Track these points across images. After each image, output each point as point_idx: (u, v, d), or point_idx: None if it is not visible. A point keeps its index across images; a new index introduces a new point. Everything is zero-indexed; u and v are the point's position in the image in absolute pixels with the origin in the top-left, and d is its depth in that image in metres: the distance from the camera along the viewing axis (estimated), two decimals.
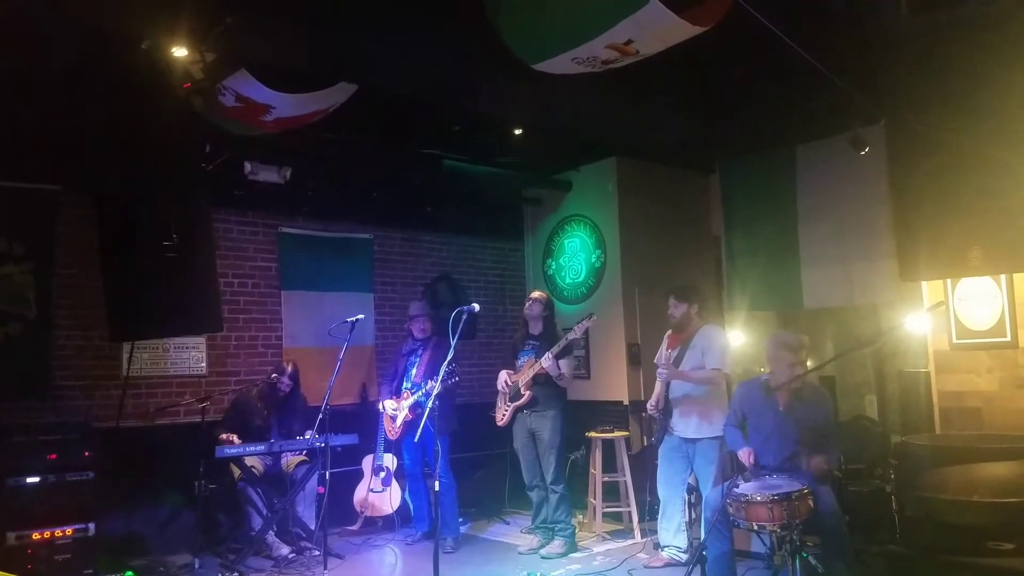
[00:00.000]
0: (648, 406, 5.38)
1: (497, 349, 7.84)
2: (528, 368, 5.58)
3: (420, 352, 6.04)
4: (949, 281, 5.21)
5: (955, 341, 5.24)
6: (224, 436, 5.50)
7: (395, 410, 5.96)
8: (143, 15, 3.99)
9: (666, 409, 5.23)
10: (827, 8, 4.27)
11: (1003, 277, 4.98)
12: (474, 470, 6.87)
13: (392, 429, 5.98)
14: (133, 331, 5.47)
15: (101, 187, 5.48)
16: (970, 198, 4.39)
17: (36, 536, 4.60)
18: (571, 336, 5.46)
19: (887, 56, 4.60)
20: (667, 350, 5.39)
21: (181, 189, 5.09)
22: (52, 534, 4.65)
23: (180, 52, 4.15)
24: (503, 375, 5.80)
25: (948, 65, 4.39)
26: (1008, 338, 4.98)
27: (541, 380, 5.55)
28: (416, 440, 5.39)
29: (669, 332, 5.47)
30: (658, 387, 5.30)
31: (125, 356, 5.78)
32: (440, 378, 4.62)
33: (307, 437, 5.50)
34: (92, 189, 5.60)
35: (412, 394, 5.85)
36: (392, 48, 4.57)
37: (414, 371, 5.99)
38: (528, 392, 5.58)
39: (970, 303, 5.15)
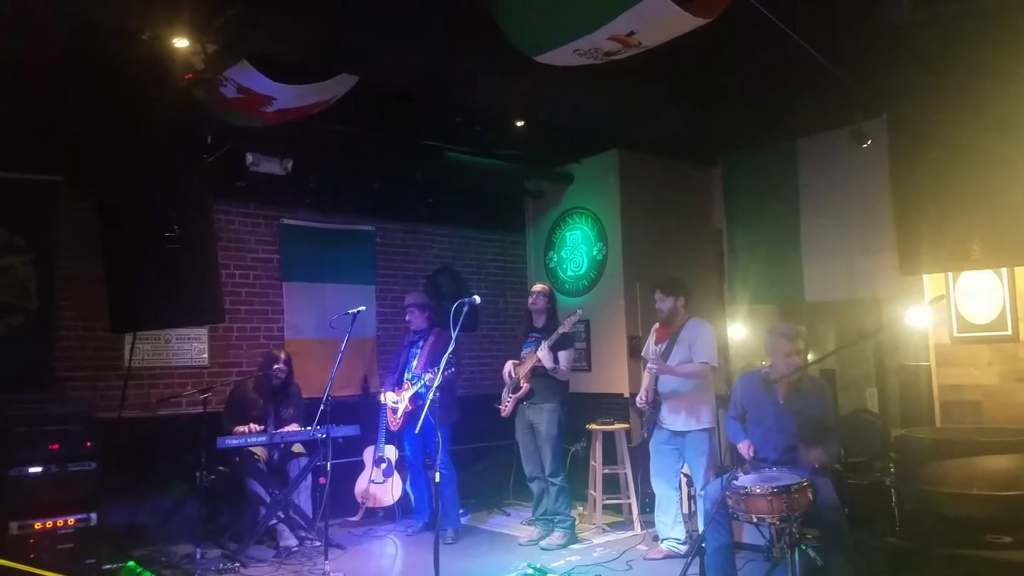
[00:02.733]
0: (637, 400, 5.40)
1: (498, 341, 7.84)
2: (528, 360, 5.61)
3: (421, 343, 6.07)
4: (950, 275, 5.21)
5: (956, 335, 5.24)
6: (241, 429, 5.51)
7: (396, 402, 5.99)
8: (145, 6, 3.98)
9: (655, 403, 5.25)
10: (829, 1, 4.25)
11: (1004, 271, 4.97)
12: (475, 462, 6.88)
13: (394, 420, 6.01)
14: (135, 322, 5.47)
15: (103, 178, 5.48)
16: (971, 191, 4.38)
17: (38, 526, 4.61)
18: (561, 330, 5.47)
19: (888, 49, 4.58)
20: (655, 344, 5.40)
21: (182, 180, 5.09)
22: (55, 524, 4.65)
23: (181, 43, 4.15)
24: (508, 366, 5.82)
25: (949, 58, 4.37)
26: (1009, 332, 4.98)
27: (540, 373, 5.57)
28: (417, 431, 5.40)
29: (656, 326, 5.48)
30: (646, 381, 5.31)
31: (127, 347, 5.79)
32: (440, 369, 4.63)
33: (306, 428, 5.53)
34: (94, 180, 5.60)
35: (413, 385, 5.87)
36: (393, 41, 4.56)
37: (415, 362, 6.02)
38: (526, 384, 5.61)
39: (971, 297, 5.15)
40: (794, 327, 4.33)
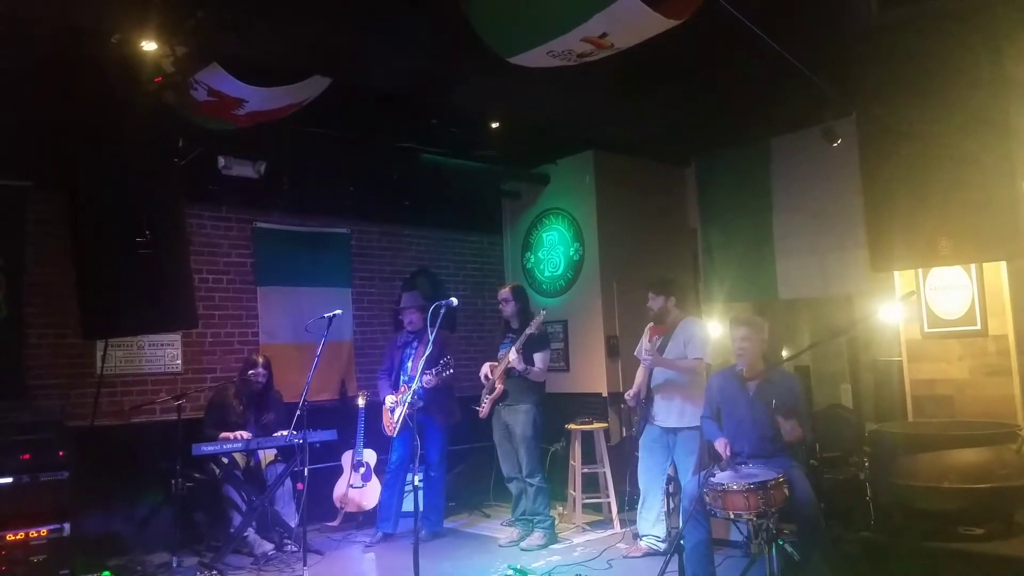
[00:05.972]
0: (627, 396, 5.41)
1: (477, 343, 7.84)
2: (502, 362, 5.61)
3: (416, 344, 5.97)
4: (920, 271, 5.28)
5: (927, 330, 5.32)
6: (228, 435, 5.44)
7: (394, 403, 5.88)
8: (114, 8, 3.93)
9: (647, 399, 5.27)
10: (798, 3, 4.30)
11: (973, 266, 5.05)
12: (455, 464, 6.86)
13: (390, 424, 5.86)
14: (107, 329, 5.40)
15: (73, 183, 5.39)
16: (940, 189, 4.44)
17: (10, 537, 4.54)
18: (528, 331, 5.47)
19: (857, 49, 4.65)
20: (648, 341, 5.43)
21: (154, 184, 5.03)
22: (27, 535, 4.58)
23: (150, 46, 4.10)
24: (485, 368, 5.81)
25: (917, 57, 4.44)
26: (978, 327, 5.06)
27: (515, 374, 5.57)
28: (395, 435, 5.35)
29: (650, 324, 5.51)
30: (640, 375, 5.33)
31: (99, 354, 5.71)
32: (419, 370, 4.61)
33: (284, 434, 5.49)
34: (64, 185, 5.51)
35: (409, 387, 5.79)
36: (367, 41, 4.54)
37: (410, 364, 5.90)
38: (501, 386, 5.61)
39: (941, 293, 5.23)
40: (753, 316, 4.61)
